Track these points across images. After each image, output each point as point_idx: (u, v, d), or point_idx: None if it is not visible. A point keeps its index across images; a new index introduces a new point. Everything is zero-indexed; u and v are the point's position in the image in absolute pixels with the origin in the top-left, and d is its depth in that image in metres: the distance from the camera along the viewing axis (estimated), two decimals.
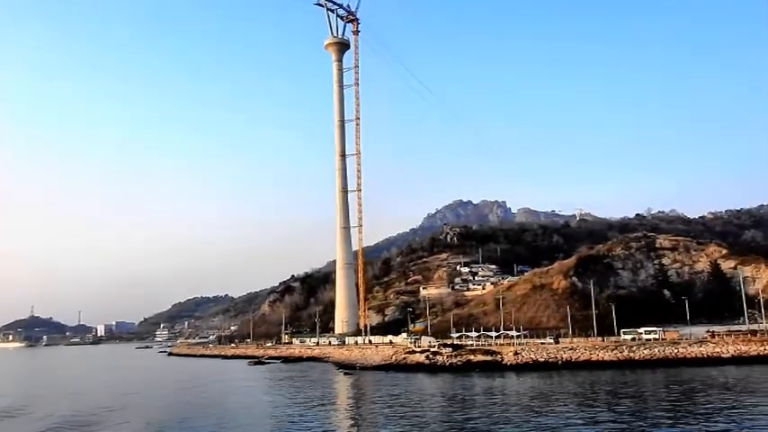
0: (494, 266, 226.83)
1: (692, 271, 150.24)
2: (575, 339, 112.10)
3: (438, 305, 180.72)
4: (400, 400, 69.08)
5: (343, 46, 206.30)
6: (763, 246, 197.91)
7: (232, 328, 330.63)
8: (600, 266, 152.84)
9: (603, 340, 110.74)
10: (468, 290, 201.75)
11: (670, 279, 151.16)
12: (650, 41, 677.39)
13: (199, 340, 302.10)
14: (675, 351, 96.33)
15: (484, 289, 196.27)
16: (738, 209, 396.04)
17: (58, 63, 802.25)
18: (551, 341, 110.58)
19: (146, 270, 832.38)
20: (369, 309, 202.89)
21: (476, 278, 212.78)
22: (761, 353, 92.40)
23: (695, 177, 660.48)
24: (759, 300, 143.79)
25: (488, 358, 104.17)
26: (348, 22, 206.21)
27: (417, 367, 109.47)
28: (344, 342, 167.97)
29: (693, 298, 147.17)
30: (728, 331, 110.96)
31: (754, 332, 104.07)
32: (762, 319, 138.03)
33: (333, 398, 79.86)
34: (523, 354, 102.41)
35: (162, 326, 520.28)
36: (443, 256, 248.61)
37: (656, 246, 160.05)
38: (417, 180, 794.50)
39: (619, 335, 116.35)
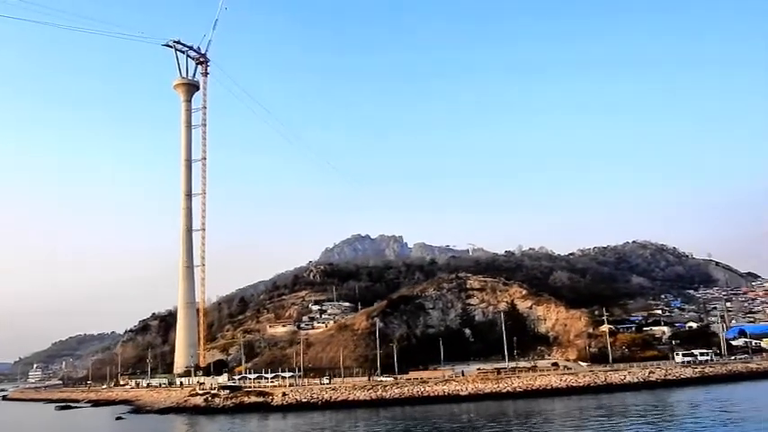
0: (346, 304, 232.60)
1: (496, 310, 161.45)
2: (347, 379, 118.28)
3: (271, 344, 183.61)
4: None
5: (192, 87, 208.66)
6: (568, 287, 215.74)
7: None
8: (411, 307, 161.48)
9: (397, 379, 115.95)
10: (313, 328, 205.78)
11: (475, 318, 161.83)
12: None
13: (49, 383, 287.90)
14: (422, 390, 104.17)
15: (327, 327, 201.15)
16: (605, 245, 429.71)
17: None
18: (326, 381, 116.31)
19: (26, 305, 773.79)
20: (214, 348, 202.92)
21: (323, 316, 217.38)
22: (494, 390, 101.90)
23: (576, 214, 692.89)
24: (549, 336, 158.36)
25: (260, 399, 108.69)
26: (199, 63, 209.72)
27: (196, 410, 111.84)
28: (173, 383, 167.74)
29: (494, 336, 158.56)
30: (494, 368, 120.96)
31: (499, 370, 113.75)
32: (549, 354, 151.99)
33: None
34: (290, 395, 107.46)
35: (35, 366, 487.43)
36: (303, 293, 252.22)
37: (467, 287, 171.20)
38: (318, 214, 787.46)
39: (406, 373, 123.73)
